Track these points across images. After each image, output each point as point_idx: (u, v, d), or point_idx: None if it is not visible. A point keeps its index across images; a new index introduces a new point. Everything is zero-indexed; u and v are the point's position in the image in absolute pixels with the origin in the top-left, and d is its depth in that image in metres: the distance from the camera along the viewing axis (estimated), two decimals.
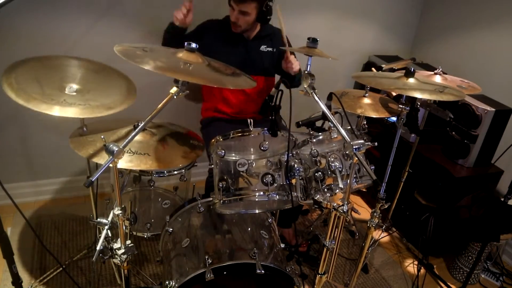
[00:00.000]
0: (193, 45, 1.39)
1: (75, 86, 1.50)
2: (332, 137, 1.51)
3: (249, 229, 1.75)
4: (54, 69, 1.56)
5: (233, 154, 1.46)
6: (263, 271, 1.42)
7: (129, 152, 1.39)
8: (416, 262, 2.44)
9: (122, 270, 1.37)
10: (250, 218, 1.78)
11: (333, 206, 1.29)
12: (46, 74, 1.51)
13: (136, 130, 1.21)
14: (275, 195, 1.43)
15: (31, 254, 2.13)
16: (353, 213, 2.70)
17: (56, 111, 1.36)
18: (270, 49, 2.22)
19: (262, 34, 2.21)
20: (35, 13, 2.11)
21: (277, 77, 2.33)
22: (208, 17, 2.23)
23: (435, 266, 2.43)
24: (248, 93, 2.24)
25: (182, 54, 1.39)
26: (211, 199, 1.68)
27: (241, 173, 1.44)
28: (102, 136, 1.30)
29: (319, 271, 1.44)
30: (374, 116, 1.92)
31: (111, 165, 1.15)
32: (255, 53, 2.20)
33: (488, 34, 2.62)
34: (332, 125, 1.34)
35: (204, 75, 1.38)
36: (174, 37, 2.06)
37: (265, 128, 1.43)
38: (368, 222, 1.73)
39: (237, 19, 2.03)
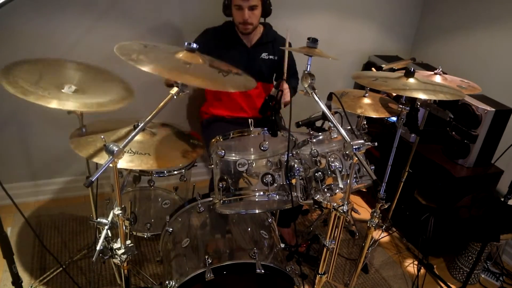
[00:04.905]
0: (193, 45, 1.39)
1: (72, 87, 1.51)
2: (332, 137, 1.51)
3: (249, 229, 1.75)
4: (53, 71, 1.57)
5: (233, 154, 1.46)
6: (263, 271, 1.43)
7: (130, 152, 1.39)
8: (416, 262, 2.44)
9: (122, 270, 1.37)
10: (250, 218, 1.78)
11: (333, 206, 1.29)
12: (46, 74, 1.52)
13: (136, 130, 1.21)
14: (275, 195, 1.43)
15: (31, 254, 2.13)
16: (353, 213, 2.70)
17: (54, 104, 1.38)
18: (271, 57, 2.20)
19: (264, 40, 2.19)
20: (35, 13, 2.11)
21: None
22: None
23: (435, 266, 2.43)
24: (245, 97, 2.24)
25: (182, 55, 1.38)
26: (211, 199, 1.69)
27: (241, 173, 1.44)
28: (102, 136, 1.30)
29: (319, 271, 1.44)
30: (374, 116, 1.92)
31: (111, 165, 1.15)
32: (256, 61, 2.18)
33: (488, 34, 2.62)
34: (332, 125, 1.34)
35: (204, 76, 1.37)
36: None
37: (265, 128, 1.43)
38: (368, 222, 1.73)
39: (249, 16, 2.01)
